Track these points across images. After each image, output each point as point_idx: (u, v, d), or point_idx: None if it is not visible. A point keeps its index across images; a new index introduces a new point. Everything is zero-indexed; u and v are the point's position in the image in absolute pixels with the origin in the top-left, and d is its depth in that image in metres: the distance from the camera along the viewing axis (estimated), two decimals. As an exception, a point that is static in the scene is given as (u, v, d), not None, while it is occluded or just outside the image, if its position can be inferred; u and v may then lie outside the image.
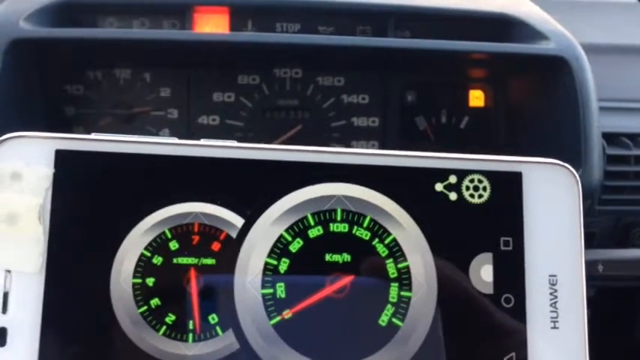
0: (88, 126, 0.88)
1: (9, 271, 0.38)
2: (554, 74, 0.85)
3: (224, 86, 0.91)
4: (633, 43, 1.12)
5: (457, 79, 0.94)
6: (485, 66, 0.92)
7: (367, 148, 0.91)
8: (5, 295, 0.38)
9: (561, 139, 0.85)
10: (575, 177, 0.42)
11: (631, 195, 0.93)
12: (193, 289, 0.40)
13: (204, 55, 0.89)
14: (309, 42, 0.84)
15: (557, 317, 0.40)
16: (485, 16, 0.90)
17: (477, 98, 0.93)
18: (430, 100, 0.93)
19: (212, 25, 0.89)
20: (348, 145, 0.91)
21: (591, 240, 0.91)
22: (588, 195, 0.82)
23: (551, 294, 0.41)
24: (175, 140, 0.41)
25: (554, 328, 0.40)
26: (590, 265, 0.74)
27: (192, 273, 0.40)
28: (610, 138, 0.93)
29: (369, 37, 0.91)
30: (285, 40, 0.86)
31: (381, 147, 0.91)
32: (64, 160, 0.39)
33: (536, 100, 0.89)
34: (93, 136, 0.40)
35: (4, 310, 0.38)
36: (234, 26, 0.90)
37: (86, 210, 0.39)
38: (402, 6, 0.90)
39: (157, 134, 0.89)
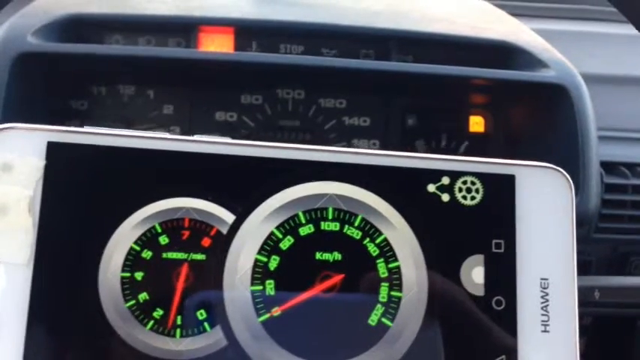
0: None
1: None
2: (553, 102, 0.86)
3: (227, 105, 0.91)
4: (633, 74, 1.13)
5: (458, 105, 0.94)
6: (486, 92, 0.92)
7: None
8: None
9: (559, 166, 0.84)
10: (568, 181, 0.42)
11: (628, 224, 0.93)
12: (182, 284, 0.40)
13: (208, 73, 0.89)
14: (313, 63, 0.85)
15: (548, 321, 0.40)
16: (486, 43, 0.91)
17: (477, 124, 0.93)
18: (430, 124, 0.93)
19: (217, 44, 0.90)
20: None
21: (588, 268, 0.91)
22: (585, 222, 0.82)
23: (542, 297, 0.41)
24: (168, 135, 0.41)
25: (545, 331, 0.40)
26: (586, 292, 0.74)
27: (182, 268, 0.40)
28: (608, 167, 0.94)
29: (372, 60, 0.91)
30: (289, 61, 0.86)
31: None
32: (55, 152, 0.39)
33: (536, 128, 0.89)
34: (85, 129, 0.40)
35: None
36: (239, 46, 0.91)
37: (76, 202, 0.39)
38: (405, 31, 0.90)
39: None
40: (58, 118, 0.87)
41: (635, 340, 0.97)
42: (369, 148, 0.92)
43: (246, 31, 0.91)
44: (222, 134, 0.88)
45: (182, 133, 0.91)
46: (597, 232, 0.88)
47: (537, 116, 0.89)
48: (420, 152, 0.92)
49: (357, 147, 0.92)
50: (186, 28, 0.90)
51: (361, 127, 0.93)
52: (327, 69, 0.86)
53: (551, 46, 0.91)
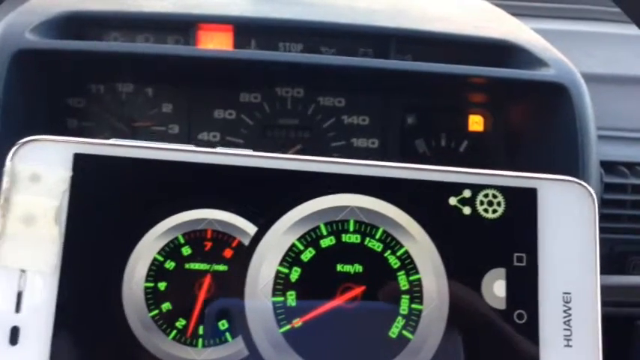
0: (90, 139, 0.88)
1: (24, 271, 0.38)
2: (553, 101, 0.86)
3: (226, 103, 0.91)
4: (632, 73, 1.14)
5: (457, 104, 0.94)
6: (485, 91, 0.92)
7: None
8: (19, 295, 0.38)
9: (559, 165, 0.85)
10: (591, 195, 0.42)
11: (627, 224, 0.93)
12: (204, 294, 0.40)
13: (207, 71, 0.89)
14: (312, 61, 0.85)
15: (570, 335, 0.40)
16: (486, 42, 0.91)
17: (476, 123, 0.93)
18: (430, 123, 0.93)
19: (216, 42, 0.90)
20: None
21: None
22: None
23: (565, 312, 0.40)
24: (192, 147, 0.41)
25: (568, 346, 0.40)
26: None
27: (204, 279, 0.40)
28: (607, 166, 0.94)
29: (371, 58, 0.91)
30: (288, 59, 0.86)
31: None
32: (81, 163, 0.40)
33: (535, 126, 0.89)
34: (111, 141, 0.40)
35: (18, 309, 0.38)
36: (238, 44, 0.90)
37: (101, 213, 0.40)
38: (404, 29, 0.90)
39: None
40: (56, 115, 0.87)
41: (633, 340, 0.98)
42: (368, 146, 0.92)
43: (245, 29, 0.91)
44: (221, 132, 0.88)
45: (181, 132, 0.90)
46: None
47: (537, 115, 0.89)
48: (419, 151, 0.92)
49: (356, 146, 0.92)
50: (184, 26, 0.89)
51: (360, 125, 0.93)
52: (326, 67, 0.85)
53: (550, 46, 0.91)
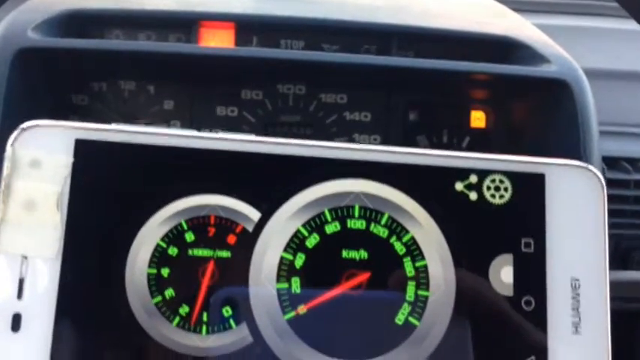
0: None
1: (25, 257, 0.38)
2: (555, 97, 0.86)
3: (227, 101, 0.91)
4: (635, 69, 1.13)
5: (459, 100, 0.94)
6: (487, 87, 0.92)
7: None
8: (21, 281, 0.38)
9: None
10: (599, 180, 0.41)
11: (630, 219, 0.93)
12: (208, 281, 0.40)
13: (208, 69, 0.89)
14: (313, 58, 0.85)
15: (579, 322, 0.40)
16: (488, 38, 0.91)
17: (478, 119, 0.93)
18: (432, 119, 0.93)
19: (217, 40, 0.90)
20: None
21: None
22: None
23: (573, 298, 0.40)
24: (194, 133, 0.41)
25: (576, 333, 0.40)
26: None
27: (208, 265, 0.40)
28: (610, 162, 0.94)
29: (373, 55, 0.91)
30: (289, 56, 0.86)
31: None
32: (83, 149, 0.40)
33: (537, 122, 0.89)
34: (113, 126, 0.40)
35: (20, 296, 0.38)
36: (240, 42, 0.90)
37: (104, 199, 0.40)
38: (407, 26, 0.90)
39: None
40: (58, 113, 0.87)
41: (637, 335, 0.97)
42: (370, 143, 0.92)
43: (247, 27, 0.91)
44: (223, 129, 0.88)
45: (183, 128, 0.90)
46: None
47: (539, 111, 0.89)
48: (422, 148, 0.92)
49: (358, 142, 0.92)
50: (186, 24, 0.89)
51: (362, 122, 0.93)
52: (328, 64, 0.85)
53: (552, 41, 0.91)
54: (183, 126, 0.90)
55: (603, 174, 0.88)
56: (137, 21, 0.90)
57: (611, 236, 0.92)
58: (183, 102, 0.91)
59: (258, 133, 0.86)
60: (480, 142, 0.93)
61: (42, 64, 0.83)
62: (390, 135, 0.92)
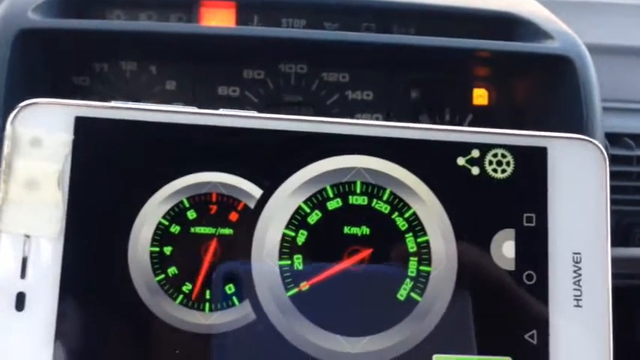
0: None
1: (28, 237, 0.38)
2: (558, 73, 0.86)
3: (229, 80, 0.91)
4: (638, 44, 1.13)
5: (461, 78, 0.93)
6: (489, 64, 0.92)
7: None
8: (24, 260, 0.38)
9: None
10: (602, 153, 0.41)
11: (633, 195, 0.93)
12: (210, 258, 0.40)
13: (210, 48, 0.89)
14: (315, 37, 0.85)
15: (580, 296, 0.40)
16: (490, 15, 0.90)
17: (480, 97, 0.93)
18: (434, 97, 0.92)
19: (218, 19, 0.89)
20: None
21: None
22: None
23: (574, 272, 0.40)
24: (195, 110, 0.41)
25: (578, 306, 0.40)
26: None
27: (210, 243, 0.40)
28: (613, 138, 0.94)
29: (374, 33, 0.91)
30: (290, 35, 0.86)
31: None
32: (83, 127, 0.39)
33: (540, 99, 0.89)
34: (112, 103, 0.40)
35: (23, 275, 0.38)
36: (241, 21, 0.90)
37: (105, 177, 0.40)
38: (408, 3, 0.90)
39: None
40: (60, 94, 0.87)
41: (638, 312, 0.98)
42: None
43: (248, 6, 0.90)
44: (225, 109, 0.88)
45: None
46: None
47: (541, 88, 0.89)
48: (424, 125, 0.92)
49: (361, 121, 0.92)
50: (187, 3, 0.89)
51: (364, 101, 0.92)
52: (330, 42, 0.85)
53: (555, 17, 0.90)
54: (186, 105, 0.90)
55: (606, 150, 0.88)
56: (138, 1, 0.90)
57: (613, 212, 0.92)
58: (185, 82, 0.91)
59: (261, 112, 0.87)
60: (483, 119, 0.92)
61: (43, 45, 0.83)
62: (393, 113, 0.92)
